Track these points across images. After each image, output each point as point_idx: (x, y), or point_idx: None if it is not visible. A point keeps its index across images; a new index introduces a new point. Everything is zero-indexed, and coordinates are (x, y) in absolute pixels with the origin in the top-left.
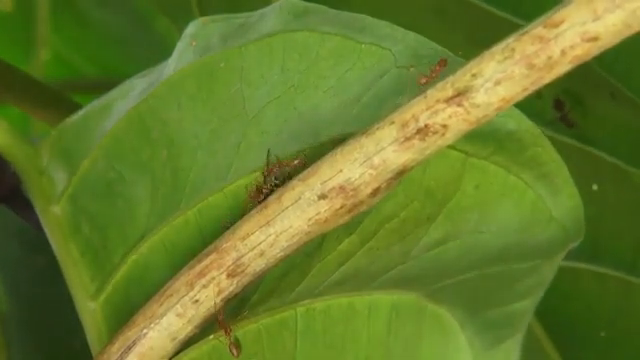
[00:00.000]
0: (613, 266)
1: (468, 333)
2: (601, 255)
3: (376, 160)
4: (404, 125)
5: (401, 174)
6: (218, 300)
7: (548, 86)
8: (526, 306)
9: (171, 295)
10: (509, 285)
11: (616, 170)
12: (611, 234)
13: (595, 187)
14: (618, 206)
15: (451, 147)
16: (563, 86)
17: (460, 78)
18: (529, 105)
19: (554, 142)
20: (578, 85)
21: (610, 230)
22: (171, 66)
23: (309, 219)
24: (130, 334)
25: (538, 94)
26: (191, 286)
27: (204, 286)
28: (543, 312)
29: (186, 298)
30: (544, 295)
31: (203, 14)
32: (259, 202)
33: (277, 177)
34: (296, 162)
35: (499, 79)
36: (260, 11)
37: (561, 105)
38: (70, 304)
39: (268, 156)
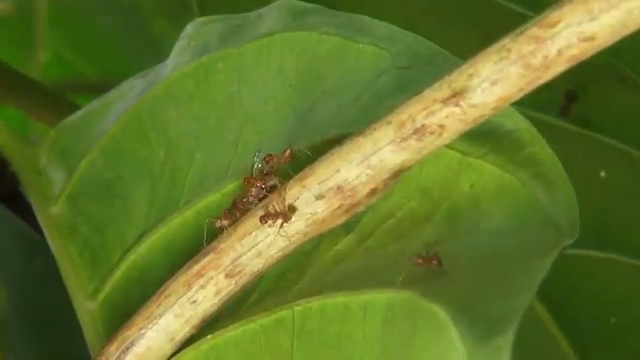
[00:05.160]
0: (622, 252)
1: (461, 329)
2: (610, 242)
3: (373, 160)
4: (401, 125)
5: (398, 174)
6: (216, 300)
7: None
8: (519, 303)
9: (169, 295)
10: (503, 282)
11: (624, 156)
12: (620, 220)
13: (603, 174)
14: (627, 192)
15: (447, 147)
16: (571, 74)
17: (457, 78)
18: (537, 94)
19: (562, 130)
20: (586, 72)
21: (619, 216)
22: (169, 66)
23: (307, 219)
24: (128, 334)
25: (546, 83)
26: (189, 286)
27: (202, 286)
28: (552, 300)
29: (184, 298)
30: (553, 283)
31: (204, 14)
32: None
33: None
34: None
35: (495, 79)
36: (258, 11)
37: (569, 93)
38: (70, 306)
39: (255, 158)
